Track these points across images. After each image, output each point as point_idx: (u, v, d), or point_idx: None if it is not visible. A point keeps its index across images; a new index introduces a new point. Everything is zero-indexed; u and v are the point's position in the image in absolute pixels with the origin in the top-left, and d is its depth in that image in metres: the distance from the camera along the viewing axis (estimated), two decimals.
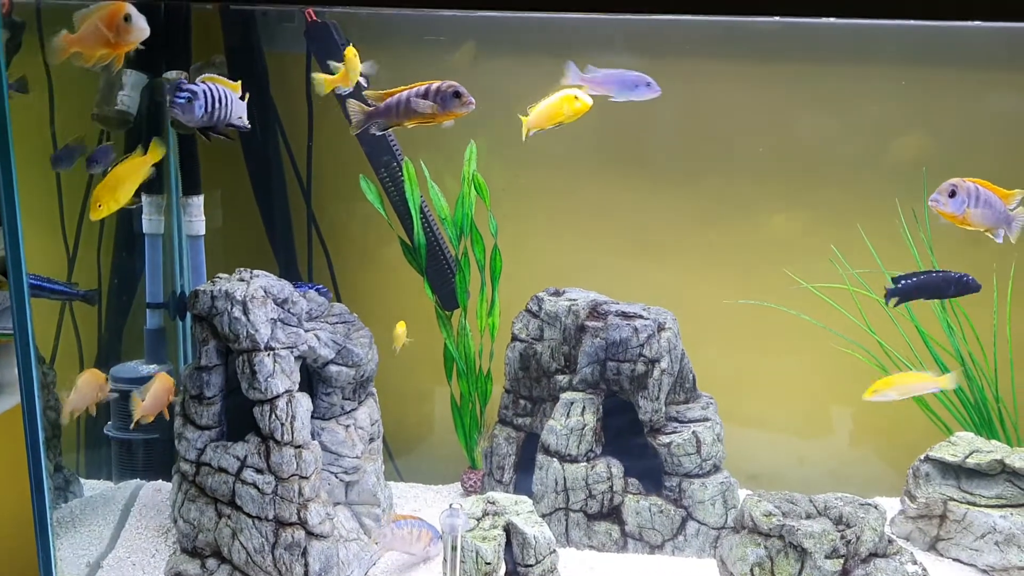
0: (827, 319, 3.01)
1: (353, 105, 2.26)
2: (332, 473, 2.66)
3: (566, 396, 2.79)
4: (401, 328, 2.91)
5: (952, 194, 2.26)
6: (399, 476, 3.33)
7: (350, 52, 2.44)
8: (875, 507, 2.47)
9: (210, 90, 2.21)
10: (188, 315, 3.06)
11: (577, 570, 2.62)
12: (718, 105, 3.12)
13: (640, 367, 2.73)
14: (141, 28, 2.14)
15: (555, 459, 2.77)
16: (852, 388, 3.17)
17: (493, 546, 2.38)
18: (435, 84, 2.21)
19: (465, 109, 2.20)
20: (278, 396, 2.47)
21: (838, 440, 3.23)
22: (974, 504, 2.66)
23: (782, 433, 3.23)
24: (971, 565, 2.64)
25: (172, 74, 2.85)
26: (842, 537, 2.36)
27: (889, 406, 3.07)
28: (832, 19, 2.81)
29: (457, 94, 2.18)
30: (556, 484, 2.75)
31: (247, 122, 2.28)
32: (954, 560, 2.68)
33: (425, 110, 2.19)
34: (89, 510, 2.82)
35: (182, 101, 2.19)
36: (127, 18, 2.12)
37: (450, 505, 2.34)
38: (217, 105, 2.21)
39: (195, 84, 2.21)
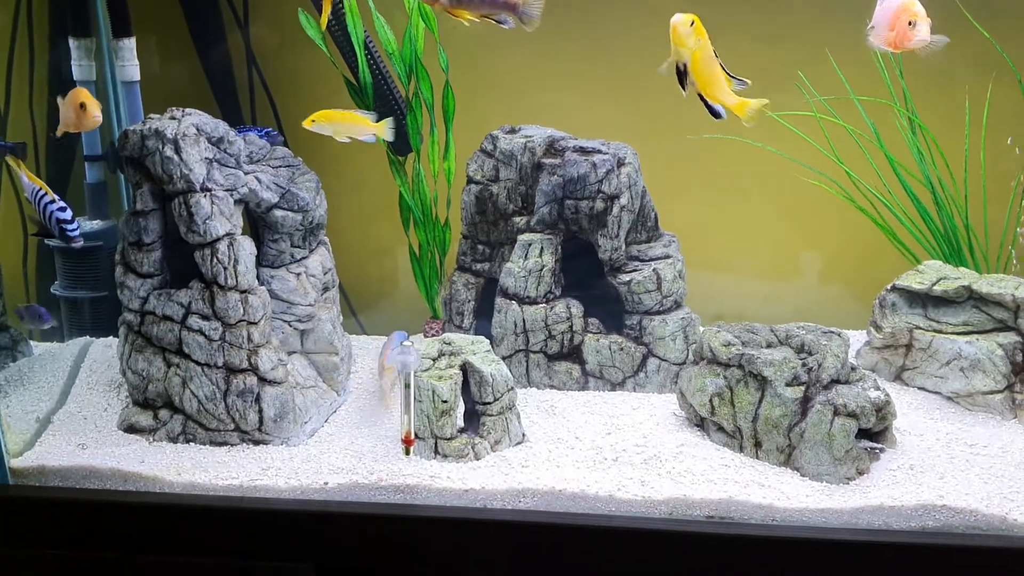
0: (794, 152, 2.89)
1: None
2: (285, 322, 2.59)
3: (524, 237, 2.70)
4: None
5: None
6: (363, 330, 3.27)
7: None
8: (838, 335, 2.42)
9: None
10: None
11: (538, 408, 2.59)
12: None
13: (599, 204, 2.64)
14: None
15: (514, 301, 2.70)
16: (820, 224, 3.11)
17: (449, 384, 2.33)
18: None
19: None
20: (218, 239, 2.37)
21: (805, 278, 3.17)
22: (940, 331, 2.62)
23: (747, 272, 3.17)
24: (936, 393, 2.62)
25: None
26: (803, 364, 2.32)
27: (858, 243, 3.00)
28: None
29: None
30: (515, 326, 2.69)
31: None
32: (919, 388, 2.65)
33: None
34: (38, 367, 2.76)
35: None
36: None
37: (401, 343, 2.28)
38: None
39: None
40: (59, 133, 2.46)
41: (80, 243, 2.40)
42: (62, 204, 2.37)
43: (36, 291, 3.11)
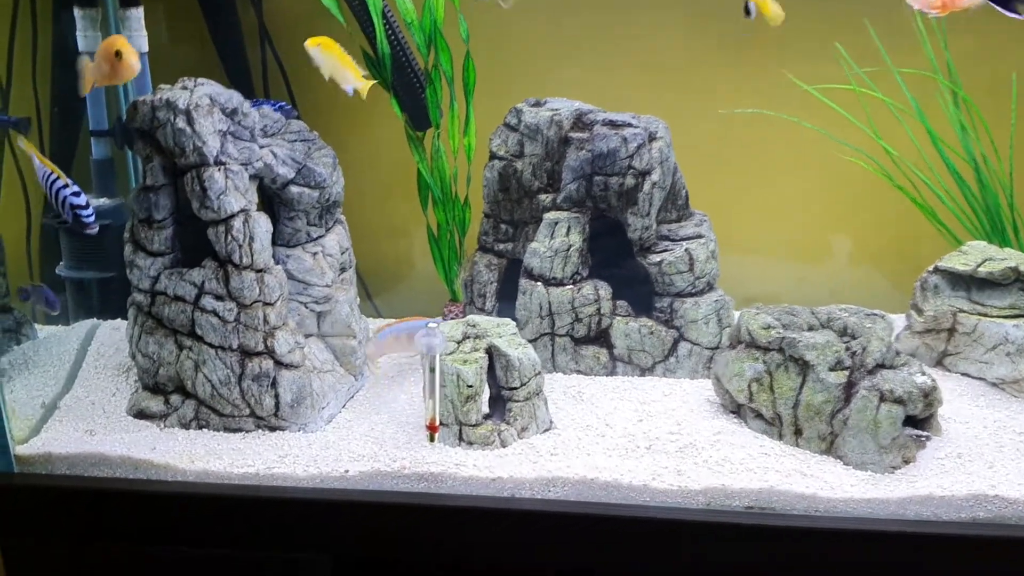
0: (830, 127, 2.77)
1: None
2: (302, 303, 2.48)
3: (550, 216, 2.59)
4: None
5: None
6: (378, 313, 3.17)
7: None
8: (882, 317, 2.32)
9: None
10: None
11: (565, 394, 2.49)
12: None
13: (629, 180, 2.52)
14: None
15: (539, 283, 2.58)
16: (856, 203, 2.99)
17: (475, 368, 2.23)
18: None
19: None
20: (233, 215, 2.25)
21: (840, 259, 3.05)
22: (985, 315, 2.50)
23: (780, 253, 3.05)
24: (980, 379, 2.51)
25: None
26: (847, 348, 2.21)
27: (896, 222, 2.89)
28: None
29: None
30: (540, 309, 2.58)
31: None
32: (962, 375, 2.54)
33: None
34: (43, 351, 2.65)
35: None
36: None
37: (426, 324, 2.17)
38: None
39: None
40: (87, 89, 2.28)
41: (95, 230, 2.26)
42: (76, 189, 2.24)
43: (40, 272, 2.99)
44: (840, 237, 3.06)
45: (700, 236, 2.59)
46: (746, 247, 2.99)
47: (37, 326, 2.82)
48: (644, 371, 2.58)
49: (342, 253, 2.57)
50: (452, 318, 2.93)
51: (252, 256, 2.26)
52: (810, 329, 2.32)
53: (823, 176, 2.95)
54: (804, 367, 2.21)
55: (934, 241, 2.81)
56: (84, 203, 2.22)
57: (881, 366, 2.22)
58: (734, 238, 2.78)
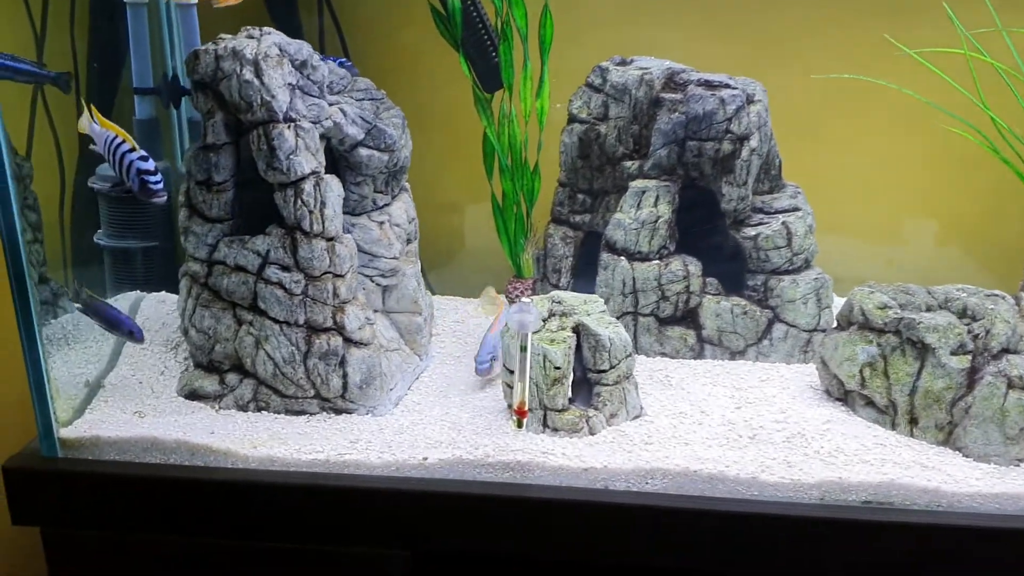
0: (933, 95, 2.57)
1: None
2: (367, 276, 2.29)
3: (636, 184, 2.39)
4: None
5: None
6: (432, 290, 2.97)
7: None
8: (1003, 298, 2.14)
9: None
10: (184, 100, 2.61)
11: (651, 378, 2.30)
12: None
13: (726, 146, 2.32)
14: None
15: (623, 257, 2.39)
16: (956, 178, 2.80)
17: (563, 349, 2.04)
18: None
19: None
20: (304, 178, 2.05)
21: (936, 238, 2.85)
22: None
23: (870, 230, 2.86)
24: None
25: None
26: (969, 331, 2.03)
27: (1002, 199, 2.71)
28: None
29: None
30: (624, 285, 2.39)
31: None
32: None
33: None
34: (83, 325, 2.44)
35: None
36: None
37: (519, 299, 1.99)
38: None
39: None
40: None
41: (164, 198, 2.04)
42: (143, 153, 2.02)
43: (72, 241, 2.78)
44: (938, 215, 2.87)
45: (797, 209, 2.40)
46: (830, 224, 2.80)
47: None
48: (734, 354, 2.40)
49: (409, 222, 2.39)
50: (516, 296, 2.74)
51: (323, 223, 2.06)
52: (928, 310, 2.14)
53: (921, 146, 2.75)
54: (923, 351, 2.03)
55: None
56: (153, 168, 2.00)
57: (1006, 350, 2.04)
58: (822, 215, 2.59)
